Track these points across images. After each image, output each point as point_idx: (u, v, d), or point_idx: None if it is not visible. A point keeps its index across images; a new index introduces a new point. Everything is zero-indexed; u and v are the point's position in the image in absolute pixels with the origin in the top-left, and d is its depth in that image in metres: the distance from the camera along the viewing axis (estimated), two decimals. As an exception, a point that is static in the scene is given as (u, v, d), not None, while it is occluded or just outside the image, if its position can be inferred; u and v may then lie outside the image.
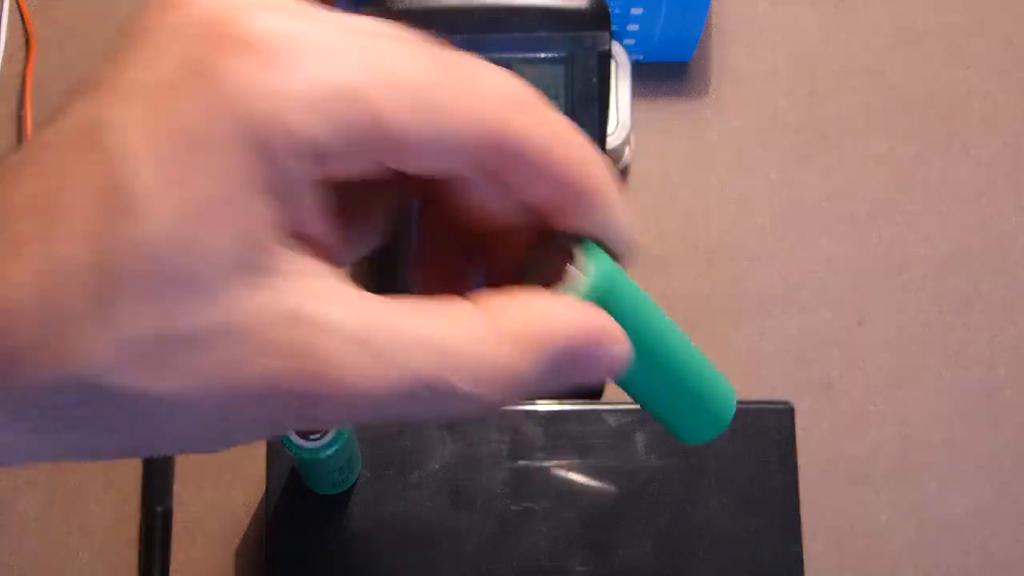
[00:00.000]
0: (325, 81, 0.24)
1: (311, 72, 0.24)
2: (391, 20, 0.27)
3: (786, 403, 0.46)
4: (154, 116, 0.25)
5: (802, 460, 0.46)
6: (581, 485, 0.45)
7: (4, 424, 0.25)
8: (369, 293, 0.26)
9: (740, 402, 0.45)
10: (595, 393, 0.50)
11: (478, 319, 0.26)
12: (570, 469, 0.45)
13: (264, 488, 0.45)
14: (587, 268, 0.27)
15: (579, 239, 0.28)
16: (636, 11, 0.52)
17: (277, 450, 0.44)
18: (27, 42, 0.56)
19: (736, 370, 0.52)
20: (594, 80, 0.48)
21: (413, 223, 0.31)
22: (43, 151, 0.25)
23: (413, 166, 0.26)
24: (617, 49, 0.53)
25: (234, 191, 0.24)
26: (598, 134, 0.49)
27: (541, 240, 0.28)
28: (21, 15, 0.56)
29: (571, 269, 0.27)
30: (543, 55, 0.48)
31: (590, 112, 0.48)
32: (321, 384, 0.25)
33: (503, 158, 0.26)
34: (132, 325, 0.24)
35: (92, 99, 0.25)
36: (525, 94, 0.27)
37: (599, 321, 0.27)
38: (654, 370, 0.29)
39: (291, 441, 0.38)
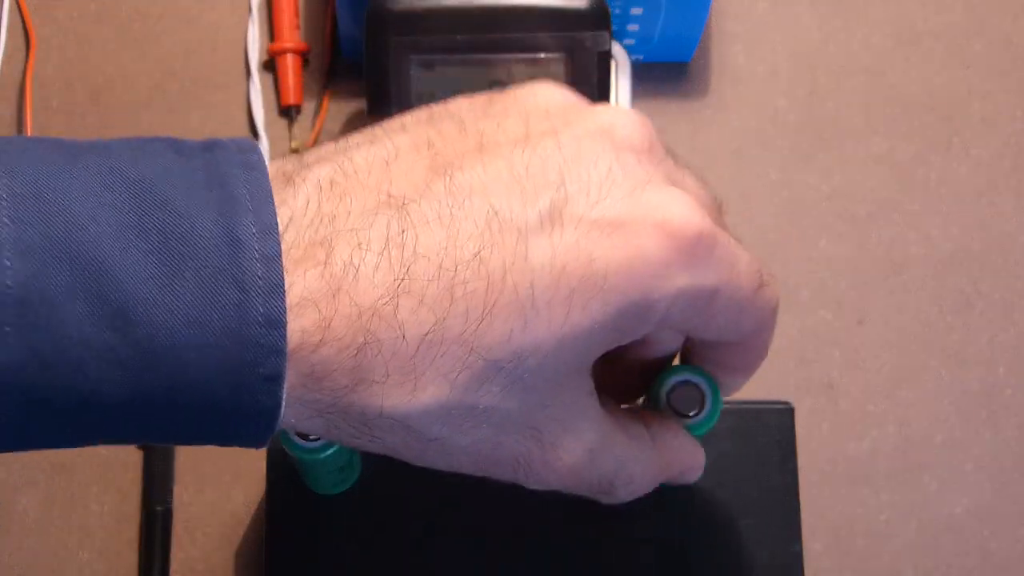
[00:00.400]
0: (704, 282, 0.31)
1: (702, 273, 0.31)
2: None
3: (786, 403, 0.46)
4: (581, 255, 0.29)
5: (802, 460, 0.46)
6: (581, 485, 0.45)
7: (316, 421, 0.29)
8: (603, 409, 0.33)
9: (740, 402, 0.46)
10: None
11: (648, 447, 0.35)
12: (570, 469, 0.45)
13: (264, 488, 0.45)
14: (715, 406, 0.38)
15: (709, 381, 0.38)
16: (636, 11, 0.52)
17: (277, 450, 0.44)
18: (27, 42, 0.56)
19: (736, 370, 0.52)
20: (594, 80, 0.48)
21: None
22: (447, 219, 0.29)
23: (696, 336, 0.35)
24: (617, 49, 0.53)
25: (600, 334, 0.30)
26: (598, 134, 0.49)
27: (676, 370, 0.38)
28: (21, 15, 0.56)
29: (705, 404, 0.38)
30: (543, 55, 0.48)
31: (590, 112, 0.48)
32: (548, 468, 0.33)
33: (748, 339, 0.35)
34: (467, 397, 0.29)
35: (530, 205, 0.29)
36: (778, 302, 0.35)
37: (702, 461, 0.38)
38: None
39: (291, 441, 0.38)
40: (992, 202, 0.55)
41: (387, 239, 0.28)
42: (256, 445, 0.29)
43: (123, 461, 0.50)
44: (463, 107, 0.32)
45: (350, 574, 0.44)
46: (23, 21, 0.56)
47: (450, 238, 0.28)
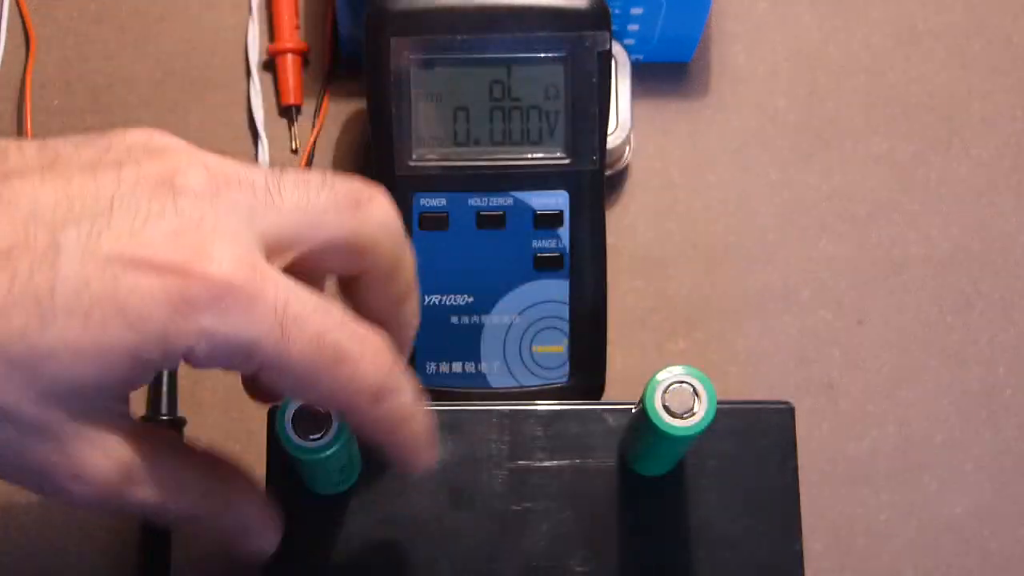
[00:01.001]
0: (233, 331, 0.32)
1: (232, 321, 0.32)
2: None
3: (786, 403, 0.46)
4: (108, 277, 0.30)
5: (802, 460, 0.46)
6: (581, 485, 0.45)
7: None
8: (146, 436, 0.35)
9: (740, 402, 0.46)
10: (595, 393, 0.50)
11: (204, 479, 0.37)
12: (570, 469, 0.45)
13: (264, 488, 0.45)
14: (710, 406, 0.38)
15: (704, 380, 0.38)
16: (636, 11, 0.52)
17: (277, 450, 0.44)
18: (27, 42, 0.56)
19: (736, 370, 0.52)
20: (594, 80, 0.48)
21: None
22: None
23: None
24: (617, 49, 0.53)
25: (122, 358, 0.31)
26: (598, 134, 0.49)
27: (668, 370, 0.38)
28: (21, 15, 0.56)
29: (700, 404, 0.38)
30: (543, 55, 0.48)
31: (590, 112, 0.48)
32: (78, 482, 0.33)
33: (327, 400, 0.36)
34: None
35: (59, 211, 0.31)
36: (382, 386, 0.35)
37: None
38: None
39: (291, 441, 0.38)
40: (992, 202, 0.55)
41: None
42: None
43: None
44: (67, 141, 0.34)
45: (350, 574, 0.44)
46: (23, 21, 0.56)
47: None
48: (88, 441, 0.33)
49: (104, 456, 0.33)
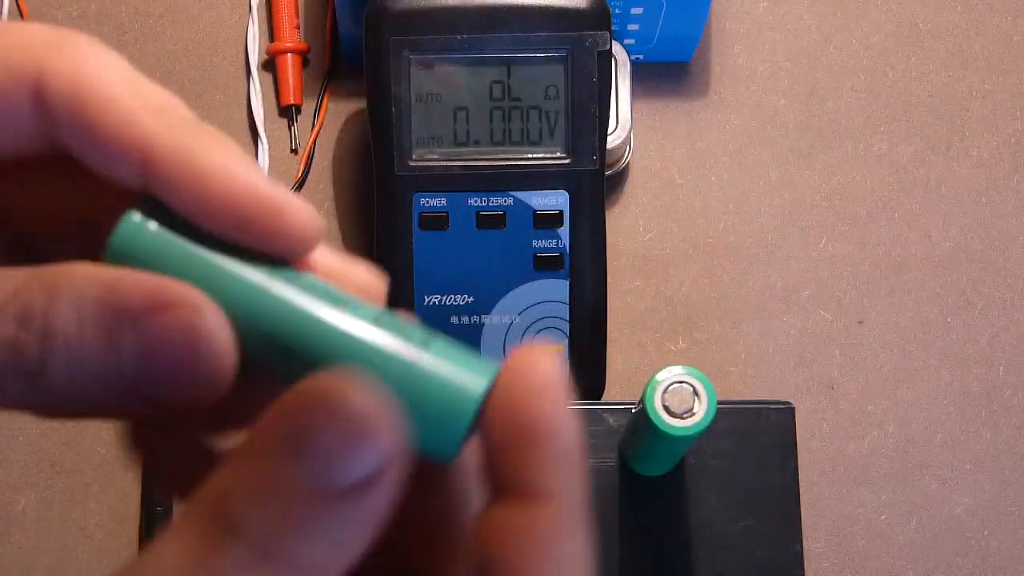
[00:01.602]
0: None
1: None
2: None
3: (786, 403, 0.46)
4: None
5: (802, 460, 0.46)
6: (581, 485, 0.45)
7: None
8: None
9: (740, 402, 0.46)
10: (595, 393, 0.50)
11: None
12: (570, 469, 0.45)
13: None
14: (711, 405, 0.38)
15: (704, 380, 0.37)
16: (636, 11, 0.52)
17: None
18: (27, 42, 0.55)
19: (736, 370, 0.52)
20: (594, 80, 0.48)
21: None
22: None
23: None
24: (617, 49, 0.53)
25: None
26: (598, 134, 0.49)
27: (668, 370, 0.38)
28: (21, 15, 0.56)
29: (700, 403, 0.38)
30: (543, 55, 0.48)
31: (590, 112, 0.48)
32: None
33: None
34: None
35: None
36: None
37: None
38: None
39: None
40: (992, 202, 0.55)
41: None
42: None
43: (123, 461, 0.50)
44: None
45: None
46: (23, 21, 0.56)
47: None
48: None
49: None
